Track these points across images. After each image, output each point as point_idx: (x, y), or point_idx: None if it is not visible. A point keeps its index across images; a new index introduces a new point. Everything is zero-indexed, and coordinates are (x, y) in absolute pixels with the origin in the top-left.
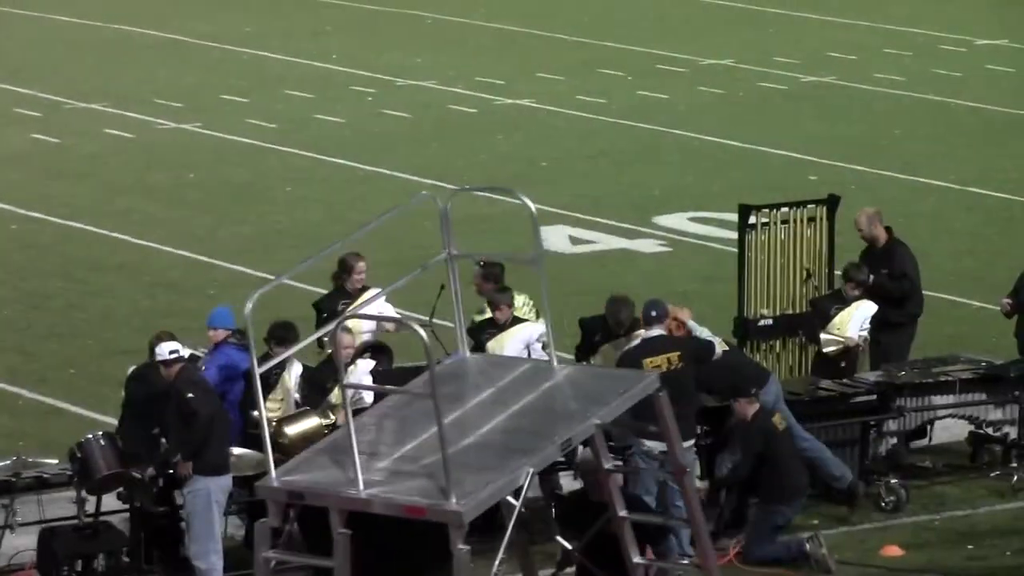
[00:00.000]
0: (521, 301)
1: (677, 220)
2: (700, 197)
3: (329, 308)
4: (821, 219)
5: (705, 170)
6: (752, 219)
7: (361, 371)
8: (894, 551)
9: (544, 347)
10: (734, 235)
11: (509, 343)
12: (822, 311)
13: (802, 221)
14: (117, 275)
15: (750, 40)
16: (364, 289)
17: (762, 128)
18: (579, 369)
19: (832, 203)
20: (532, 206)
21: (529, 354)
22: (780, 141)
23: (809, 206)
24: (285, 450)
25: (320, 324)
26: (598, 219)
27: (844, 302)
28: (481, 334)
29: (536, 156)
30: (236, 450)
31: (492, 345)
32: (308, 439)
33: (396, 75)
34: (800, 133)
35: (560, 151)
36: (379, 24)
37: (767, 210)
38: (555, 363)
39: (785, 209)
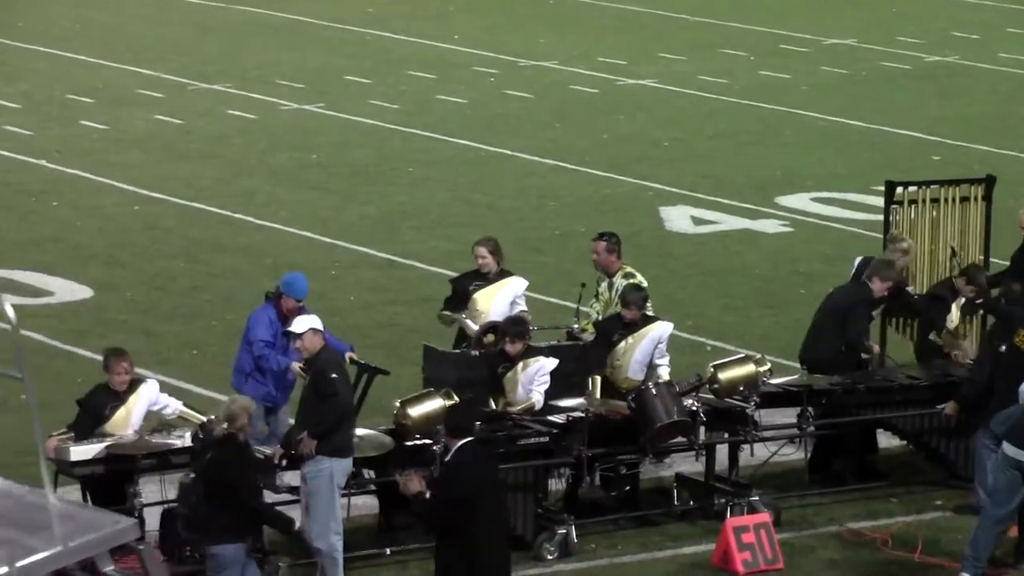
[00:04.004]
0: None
1: (800, 200)
2: (822, 177)
3: (462, 287)
4: (976, 199)
5: (828, 150)
6: (899, 196)
7: (541, 368)
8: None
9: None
10: (857, 215)
11: (640, 345)
12: (604, 332)
13: (953, 200)
14: (240, 256)
15: (873, 20)
16: (502, 273)
17: (885, 108)
18: (67, 506)
19: (989, 183)
20: (12, 313)
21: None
22: (903, 121)
23: (962, 185)
24: (407, 431)
25: (450, 301)
26: (720, 199)
27: (953, 295)
28: (613, 332)
29: (658, 136)
30: (359, 431)
31: (622, 346)
32: (432, 420)
33: (518, 56)
34: (923, 113)
35: (682, 131)
36: (501, 5)
37: (914, 188)
38: (51, 497)
39: (935, 187)
